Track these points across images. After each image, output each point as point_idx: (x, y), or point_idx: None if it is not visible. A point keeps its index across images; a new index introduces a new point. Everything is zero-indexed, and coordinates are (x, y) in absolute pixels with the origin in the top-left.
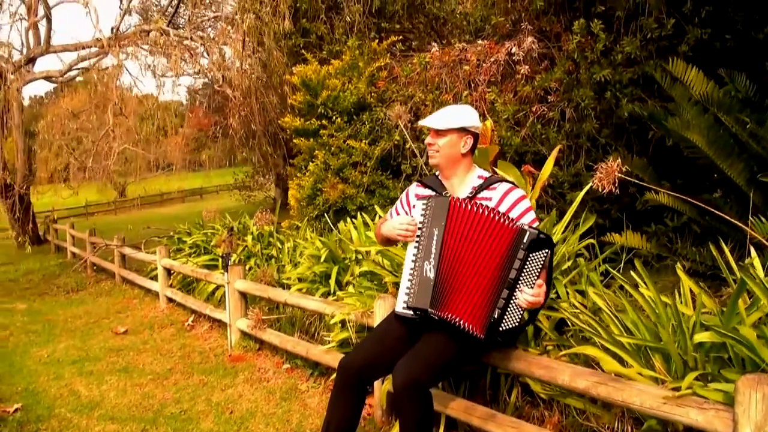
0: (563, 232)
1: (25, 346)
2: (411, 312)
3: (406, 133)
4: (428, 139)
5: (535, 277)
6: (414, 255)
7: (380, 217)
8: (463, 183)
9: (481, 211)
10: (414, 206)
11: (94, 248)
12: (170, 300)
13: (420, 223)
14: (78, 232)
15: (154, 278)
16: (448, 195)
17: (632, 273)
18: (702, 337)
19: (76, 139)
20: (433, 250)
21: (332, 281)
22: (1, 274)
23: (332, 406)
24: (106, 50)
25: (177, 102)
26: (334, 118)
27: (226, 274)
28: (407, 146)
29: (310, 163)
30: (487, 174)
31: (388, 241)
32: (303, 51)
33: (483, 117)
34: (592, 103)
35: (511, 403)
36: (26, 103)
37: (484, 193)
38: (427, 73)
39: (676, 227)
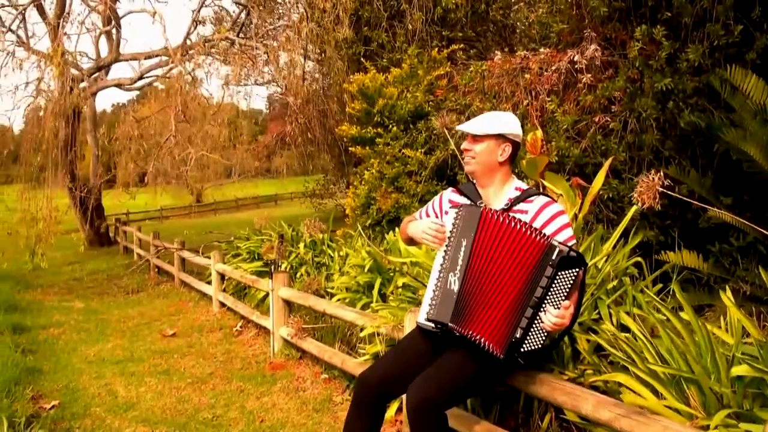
0: (613, 248)
1: (75, 344)
2: (432, 325)
3: (450, 141)
4: (465, 145)
5: (563, 297)
6: (440, 265)
7: None
8: (499, 194)
9: (512, 224)
10: (446, 212)
11: (157, 251)
12: (222, 305)
13: (449, 232)
14: (144, 235)
15: (210, 282)
16: (481, 205)
17: (678, 296)
18: (739, 370)
19: (152, 145)
20: (460, 262)
21: (375, 292)
22: (67, 273)
23: (349, 421)
24: (172, 59)
25: (257, 110)
26: (390, 126)
27: (271, 281)
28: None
29: (366, 172)
30: (525, 186)
31: (412, 241)
32: (363, 59)
33: (537, 127)
34: (654, 114)
35: (543, 429)
36: (109, 110)
37: (521, 206)
38: (486, 81)
39: (741, 247)
